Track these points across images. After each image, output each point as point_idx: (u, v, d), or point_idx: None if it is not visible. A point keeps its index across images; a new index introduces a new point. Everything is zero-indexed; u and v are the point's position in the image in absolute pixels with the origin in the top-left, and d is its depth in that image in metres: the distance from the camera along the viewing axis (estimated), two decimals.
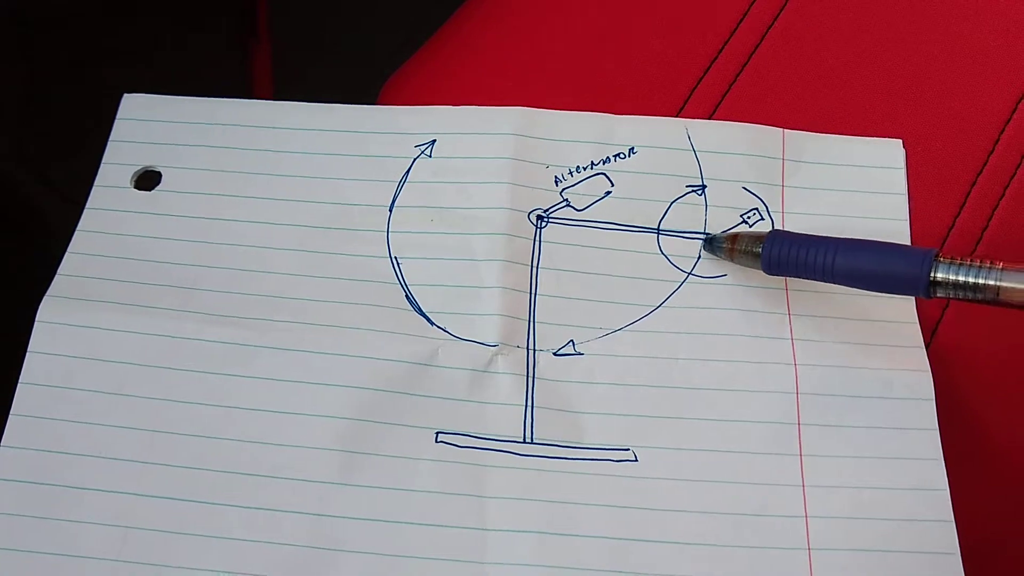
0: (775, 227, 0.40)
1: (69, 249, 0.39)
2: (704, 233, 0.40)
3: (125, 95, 0.42)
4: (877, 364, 0.37)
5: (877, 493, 0.35)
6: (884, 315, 0.38)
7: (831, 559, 0.34)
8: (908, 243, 0.39)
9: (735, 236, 0.38)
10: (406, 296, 0.38)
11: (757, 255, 0.37)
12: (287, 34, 0.49)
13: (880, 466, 0.35)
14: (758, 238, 0.37)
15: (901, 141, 0.41)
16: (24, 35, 0.42)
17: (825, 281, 0.35)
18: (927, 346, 0.37)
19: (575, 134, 0.41)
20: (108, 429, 0.35)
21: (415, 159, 0.41)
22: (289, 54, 0.49)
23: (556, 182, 0.40)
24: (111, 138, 0.41)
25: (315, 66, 0.41)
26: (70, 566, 0.33)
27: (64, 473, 0.35)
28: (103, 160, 0.41)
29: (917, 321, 0.38)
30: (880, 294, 0.36)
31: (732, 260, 0.38)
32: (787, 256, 0.36)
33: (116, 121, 0.42)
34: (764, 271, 0.37)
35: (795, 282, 0.38)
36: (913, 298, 0.38)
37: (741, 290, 0.38)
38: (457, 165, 0.41)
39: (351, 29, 0.47)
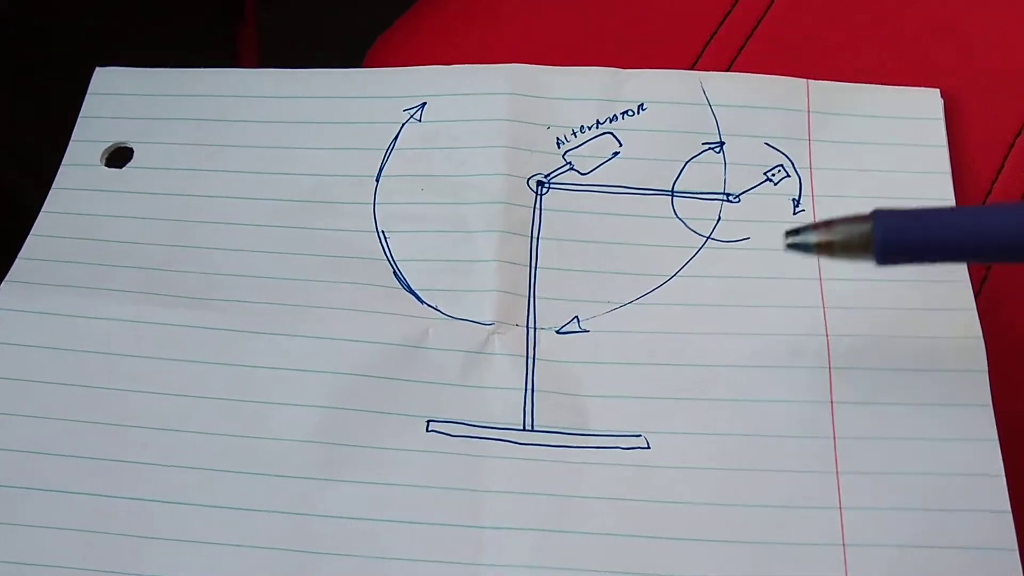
0: (802, 184, 0.36)
1: (32, 231, 0.36)
2: (724, 193, 0.36)
3: (97, 68, 0.40)
4: (921, 332, 0.33)
5: (921, 480, 0.31)
6: (928, 275, 0.34)
7: (869, 555, 0.30)
8: (951, 198, 0.35)
9: (829, 223, 0.29)
10: (394, 273, 0.35)
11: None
12: (274, 15, 0.47)
13: (925, 449, 0.31)
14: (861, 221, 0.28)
15: (938, 90, 0.38)
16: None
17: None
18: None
19: (578, 91, 0.38)
20: (71, 424, 0.32)
21: (403, 124, 0.38)
22: (276, 36, 0.47)
23: (558, 144, 0.37)
24: (81, 114, 0.39)
25: (302, 48, 0.39)
26: (30, 575, 0.31)
27: (24, 473, 0.32)
28: (72, 137, 0.39)
29: (968, 279, 0.34)
30: None
31: (831, 255, 0.29)
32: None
33: (87, 96, 0.40)
34: (878, 262, 0.28)
35: None
36: None
37: (767, 254, 0.35)
38: (449, 129, 0.37)
39: (339, 12, 0.45)
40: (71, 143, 0.38)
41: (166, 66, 0.40)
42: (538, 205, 0.36)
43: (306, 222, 0.36)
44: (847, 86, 0.38)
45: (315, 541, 0.31)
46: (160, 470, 0.32)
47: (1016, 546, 0.30)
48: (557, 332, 0.34)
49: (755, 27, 0.40)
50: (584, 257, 0.35)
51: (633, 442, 0.32)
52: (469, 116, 0.38)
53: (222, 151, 0.38)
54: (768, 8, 0.40)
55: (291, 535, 0.31)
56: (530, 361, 0.33)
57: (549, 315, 0.34)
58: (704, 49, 0.39)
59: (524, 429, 0.32)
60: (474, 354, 0.34)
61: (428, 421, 0.33)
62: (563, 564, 0.30)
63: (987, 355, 0.32)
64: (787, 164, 0.36)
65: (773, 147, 0.37)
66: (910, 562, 0.30)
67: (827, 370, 0.33)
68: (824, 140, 0.37)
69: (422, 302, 0.35)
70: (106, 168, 0.38)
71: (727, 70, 0.39)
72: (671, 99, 0.37)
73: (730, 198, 0.36)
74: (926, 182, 0.36)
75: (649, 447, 0.32)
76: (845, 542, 0.30)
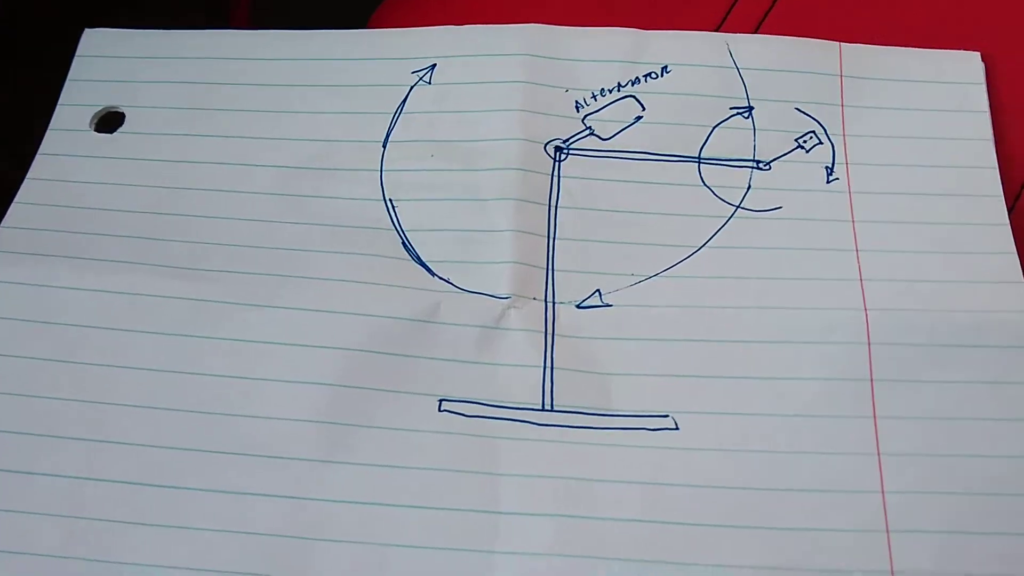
0: (835, 151, 0.34)
1: (16, 199, 0.34)
2: (754, 160, 0.34)
3: (86, 30, 0.38)
4: (965, 305, 0.31)
5: (969, 462, 0.29)
6: (973, 246, 0.32)
7: (915, 543, 0.28)
8: (995, 165, 0.33)
9: None
10: (403, 243, 0.33)
11: None
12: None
13: (972, 430, 0.29)
14: None
15: (979, 54, 0.36)
16: None
17: None
18: None
19: (599, 52, 0.36)
20: (54, 402, 0.30)
21: (412, 87, 0.36)
22: (270, 13, 0.45)
23: (577, 108, 0.35)
24: (69, 77, 0.37)
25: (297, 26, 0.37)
26: (7, 564, 0.28)
27: (2, 455, 0.30)
28: (59, 101, 0.36)
29: (1015, 250, 0.32)
30: (966, 221, 0.31)
31: None
32: None
33: (75, 59, 0.37)
34: None
35: (865, 211, 0.33)
36: (1007, 223, 0.32)
37: (800, 224, 0.33)
38: (461, 92, 0.35)
39: None
40: (58, 107, 0.36)
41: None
42: (556, 172, 0.34)
43: (308, 190, 0.34)
44: (882, 49, 0.36)
45: (318, 527, 0.29)
46: (149, 451, 0.30)
47: None
48: (577, 306, 0.32)
49: None
50: (605, 227, 0.33)
51: (660, 423, 0.30)
52: (482, 78, 0.35)
53: (218, 115, 0.36)
54: None
55: (289, 521, 0.29)
56: (549, 337, 0.31)
57: (569, 288, 0.32)
58: (731, 9, 0.37)
59: (543, 409, 0.30)
60: (489, 329, 0.31)
61: (440, 400, 0.30)
62: (585, 552, 0.28)
63: None
64: (819, 130, 0.34)
65: (804, 113, 0.35)
66: (959, 550, 0.28)
67: (866, 346, 0.30)
68: (858, 106, 0.35)
69: (433, 274, 0.32)
70: (95, 133, 0.36)
71: (755, 32, 0.37)
72: (696, 61, 0.35)
73: (760, 165, 0.34)
74: (967, 149, 0.34)
75: (677, 428, 0.30)
76: (889, 528, 0.28)
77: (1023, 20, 0.36)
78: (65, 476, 0.29)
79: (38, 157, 0.35)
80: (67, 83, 0.37)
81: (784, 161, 0.34)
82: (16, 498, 0.29)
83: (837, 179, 0.34)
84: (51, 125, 0.36)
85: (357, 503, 0.29)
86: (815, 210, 0.33)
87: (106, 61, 0.37)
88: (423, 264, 0.33)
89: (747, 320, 0.31)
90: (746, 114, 0.35)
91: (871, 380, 0.30)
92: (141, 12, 0.41)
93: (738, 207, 0.33)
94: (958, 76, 0.35)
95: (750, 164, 0.34)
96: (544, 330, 0.31)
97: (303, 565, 0.28)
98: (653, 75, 0.35)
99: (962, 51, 0.36)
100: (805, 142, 0.34)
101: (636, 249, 0.33)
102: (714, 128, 0.34)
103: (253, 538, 0.29)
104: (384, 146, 0.35)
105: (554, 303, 0.32)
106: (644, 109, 0.35)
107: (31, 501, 0.29)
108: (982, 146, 0.34)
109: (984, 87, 0.35)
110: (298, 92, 0.36)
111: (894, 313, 0.31)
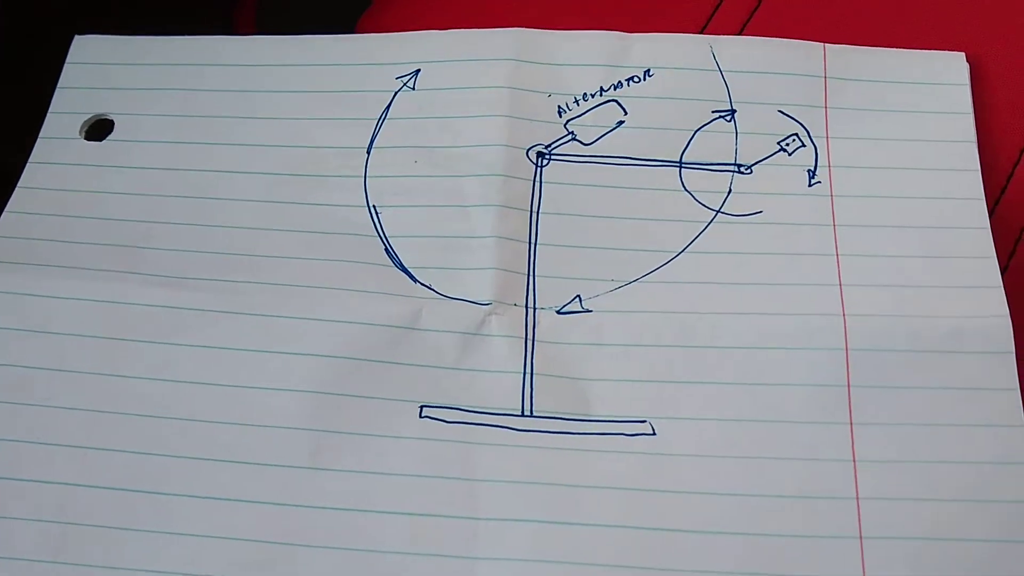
0: (818, 154, 0.34)
1: (7, 208, 0.35)
2: (735, 164, 0.34)
3: (76, 37, 0.38)
4: (944, 311, 0.31)
5: (944, 469, 0.29)
6: (953, 250, 0.32)
7: (888, 549, 0.28)
8: (977, 167, 0.33)
9: None
10: (385, 250, 0.33)
11: None
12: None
13: (947, 436, 0.29)
14: None
15: (964, 54, 0.36)
16: None
17: None
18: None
19: (581, 56, 0.36)
20: (44, 410, 0.31)
21: (396, 92, 0.36)
22: (273, 16, 0.45)
23: (560, 113, 0.35)
24: (59, 84, 0.37)
25: (299, 29, 0.37)
26: (2, 569, 0.29)
27: None
28: (50, 109, 0.37)
29: (994, 255, 0.32)
30: (947, 225, 0.31)
31: None
32: None
33: (66, 66, 0.38)
34: None
35: (846, 215, 0.33)
36: (988, 226, 0.32)
37: (780, 229, 0.33)
38: (444, 98, 0.36)
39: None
40: (48, 115, 0.37)
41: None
42: (538, 177, 0.34)
43: (293, 196, 0.34)
44: (866, 50, 0.36)
45: (300, 533, 0.29)
46: (137, 458, 0.30)
47: None
48: (558, 312, 0.32)
49: None
50: (587, 233, 0.33)
51: (638, 428, 0.30)
52: (465, 83, 0.36)
53: (206, 122, 0.36)
54: None
55: (275, 527, 0.29)
56: (529, 343, 0.32)
57: (550, 294, 0.32)
58: (715, 12, 0.37)
59: (523, 415, 0.31)
60: (470, 336, 0.32)
61: (421, 407, 0.31)
62: (564, 557, 0.29)
63: (1015, 336, 0.30)
64: (802, 133, 0.34)
65: (787, 115, 0.35)
66: (932, 556, 0.28)
67: (844, 352, 0.31)
68: (842, 107, 0.35)
69: (415, 281, 0.33)
70: (85, 141, 0.36)
71: (739, 34, 0.37)
72: (679, 64, 0.35)
73: (741, 169, 0.34)
74: (950, 151, 0.34)
75: (655, 434, 0.30)
76: (862, 535, 0.29)
77: (1007, 21, 0.36)
78: (54, 482, 0.30)
79: (28, 165, 0.35)
80: (57, 91, 0.37)
81: (766, 164, 0.34)
82: (9, 504, 0.30)
83: (819, 182, 0.34)
84: (41, 133, 0.36)
85: (339, 509, 0.30)
86: (796, 214, 0.33)
87: (96, 68, 0.37)
88: (405, 270, 0.33)
89: (726, 325, 0.31)
90: (728, 117, 0.35)
91: (848, 386, 0.30)
92: (142, 13, 0.41)
93: (718, 212, 0.33)
94: (942, 77, 0.35)
95: (731, 168, 0.34)
96: (524, 336, 0.32)
97: (286, 571, 0.29)
98: (636, 79, 0.35)
99: (947, 52, 0.36)
100: (788, 145, 0.34)
101: (616, 254, 0.33)
102: (696, 132, 0.34)
103: (238, 544, 0.29)
104: (368, 152, 0.35)
105: (535, 309, 0.32)
106: (626, 113, 0.35)
107: (23, 508, 0.30)
108: (965, 148, 0.34)
109: (968, 88, 0.35)
110: (284, 98, 0.36)
111: (872, 319, 0.31)
